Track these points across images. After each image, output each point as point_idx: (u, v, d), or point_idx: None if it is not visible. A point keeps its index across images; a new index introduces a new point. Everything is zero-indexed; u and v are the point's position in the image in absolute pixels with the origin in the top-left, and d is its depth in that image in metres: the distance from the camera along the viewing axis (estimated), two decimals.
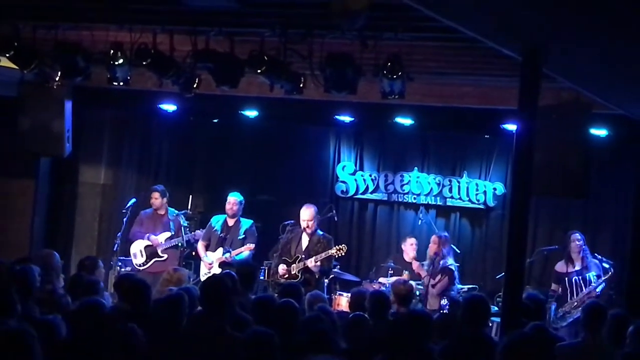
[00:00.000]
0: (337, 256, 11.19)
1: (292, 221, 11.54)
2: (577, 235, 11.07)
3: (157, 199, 12.20)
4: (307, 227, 11.19)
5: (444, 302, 10.78)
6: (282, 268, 11.08)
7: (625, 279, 11.57)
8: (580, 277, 10.85)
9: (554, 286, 11.08)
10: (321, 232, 11.38)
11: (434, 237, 11.63)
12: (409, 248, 12.22)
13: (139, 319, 6.40)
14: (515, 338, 5.38)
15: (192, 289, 7.70)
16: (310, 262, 10.95)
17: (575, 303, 10.65)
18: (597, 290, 10.70)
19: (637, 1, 5.37)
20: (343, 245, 11.19)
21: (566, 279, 10.93)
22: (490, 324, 10.31)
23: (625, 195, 12.17)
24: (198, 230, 12.23)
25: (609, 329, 7.23)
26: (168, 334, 6.39)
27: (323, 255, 10.97)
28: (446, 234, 12.00)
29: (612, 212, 12.45)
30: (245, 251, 11.57)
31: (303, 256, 11.06)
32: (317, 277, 11.03)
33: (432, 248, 11.53)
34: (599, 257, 11.10)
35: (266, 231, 12.28)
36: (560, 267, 11.11)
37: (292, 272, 11.03)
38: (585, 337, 7.28)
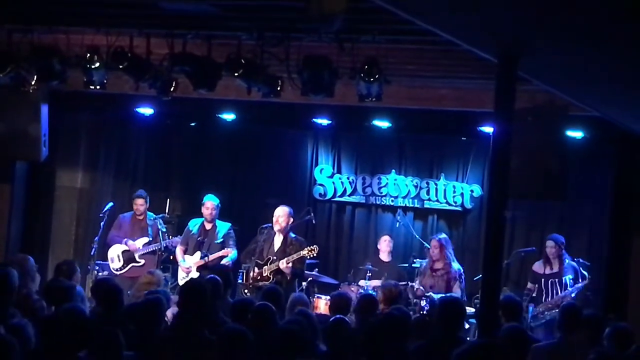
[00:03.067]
0: (309, 257, 11.18)
1: (270, 224, 11.52)
2: (551, 242, 11.09)
3: (142, 205, 12.16)
4: (277, 222, 11.14)
5: (424, 303, 10.80)
6: (254, 270, 11.07)
7: (602, 280, 11.64)
8: (557, 280, 10.89)
9: (530, 285, 11.13)
10: (294, 235, 11.36)
11: (435, 242, 11.48)
12: (383, 245, 12.27)
13: (112, 323, 6.39)
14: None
15: (162, 292, 7.68)
16: (282, 264, 10.93)
17: (550, 305, 10.71)
18: (573, 295, 10.73)
19: (611, 5, 5.41)
20: (314, 246, 11.18)
21: (542, 280, 10.99)
22: (468, 326, 10.35)
23: (602, 196, 12.23)
24: (176, 237, 12.18)
25: (585, 330, 7.28)
26: (146, 337, 6.38)
27: (295, 256, 10.96)
28: (444, 235, 11.86)
29: (589, 214, 12.51)
30: (223, 255, 11.54)
31: (275, 258, 11.05)
32: (288, 278, 11.02)
33: (434, 253, 11.42)
34: (580, 260, 11.11)
35: (244, 234, 12.25)
36: (537, 267, 11.17)
37: (264, 274, 11.03)
38: (560, 338, 7.32)
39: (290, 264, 10.93)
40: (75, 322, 6.21)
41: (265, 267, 11.05)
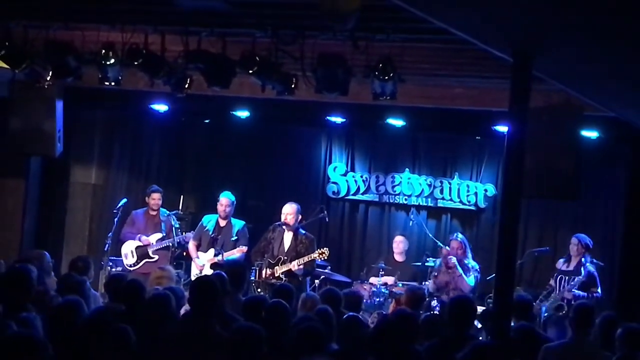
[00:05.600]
0: (320, 260, 11.24)
1: (282, 222, 11.53)
2: (575, 240, 11.04)
3: (160, 199, 12.18)
4: (286, 220, 11.17)
5: (434, 303, 10.79)
6: (266, 270, 11.08)
7: (615, 280, 11.60)
8: (566, 278, 10.87)
9: (551, 281, 11.12)
10: (303, 232, 11.37)
11: (456, 243, 11.39)
12: (395, 246, 12.28)
13: (132, 319, 6.41)
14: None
15: (176, 289, 7.69)
16: (294, 266, 10.96)
17: (552, 300, 10.73)
18: (575, 292, 10.67)
19: (626, 4, 5.39)
20: (325, 249, 11.19)
21: (555, 274, 11.01)
22: (480, 325, 10.33)
23: (616, 197, 12.20)
24: (189, 233, 12.20)
25: (598, 331, 7.26)
26: (157, 333, 6.39)
27: (306, 259, 11.01)
28: (461, 235, 11.71)
29: (603, 214, 12.48)
30: (237, 253, 11.55)
31: (286, 258, 11.07)
32: (300, 279, 11.07)
33: (458, 254, 11.36)
34: (594, 260, 11.05)
35: (257, 232, 12.26)
36: (558, 263, 11.18)
37: (276, 275, 11.04)
38: (572, 338, 7.30)
39: (302, 266, 10.97)
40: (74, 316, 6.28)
41: (277, 267, 11.06)
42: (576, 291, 10.65)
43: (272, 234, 11.30)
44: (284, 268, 11.00)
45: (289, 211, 11.24)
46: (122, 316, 6.81)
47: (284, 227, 11.24)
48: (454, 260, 11.15)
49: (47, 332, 6.20)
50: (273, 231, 11.32)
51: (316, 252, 11.05)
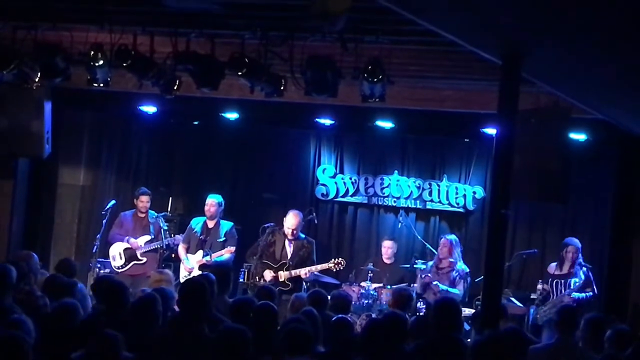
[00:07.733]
0: (334, 270, 11.25)
1: (272, 223, 11.53)
2: (573, 248, 11.03)
3: (148, 202, 12.17)
4: (291, 234, 11.19)
5: (420, 304, 10.81)
6: (269, 274, 11.05)
7: (603, 282, 11.62)
8: (562, 281, 10.89)
9: (545, 286, 11.13)
10: (303, 236, 11.38)
11: (444, 241, 11.54)
12: (384, 250, 12.28)
13: (115, 321, 6.40)
14: (487, 337, 5.41)
15: (166, 290, 7.68)
16: (306, 274, 10.98)
17: (550, 304, 10.74)
18: (575, 295, 10.71)
19: (615, 7, 5.41)
20: (341, 259, 11.23)
21: (550, 279, 11.02)
22: (469, 327, 10.35)
23: (604, 199, 12.22)
24: (178, 235, 12.19)
25: (586, 333, 7.27)
26: (144, 335, 6.38)
27: (319, 267, 11.03)
28: (454, 236, 11.87)
29: (591, 216, 12.51)
30: (225, 254, 11.54)
31: (290, 263, 11.06)
32: (304, 283, 11.09)
33: (442, 251, 11.47)
34: (588, 265, 11.11)
35: (246, 233, 12.26)
36: (550, 268, 11.18)
37: (281, 280, 11.02)
38: (558, 339, 7.31)
39: (313, 272, 11.03)
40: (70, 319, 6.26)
41: (281, 272, 11.04)
42: (576, 295, 10.69)
43: (271, 238, 11.28)
44: (293, 274, 11.00)
45: (293, 226, 11.23)
46: (102, 317, 6.82)
47: (288, 236, 11.24)
48: (440, 286, 11.14)
49: (39, 334, 6.18)
50: (272, 235, 11.30)
51: (331, 261, 11.09)
